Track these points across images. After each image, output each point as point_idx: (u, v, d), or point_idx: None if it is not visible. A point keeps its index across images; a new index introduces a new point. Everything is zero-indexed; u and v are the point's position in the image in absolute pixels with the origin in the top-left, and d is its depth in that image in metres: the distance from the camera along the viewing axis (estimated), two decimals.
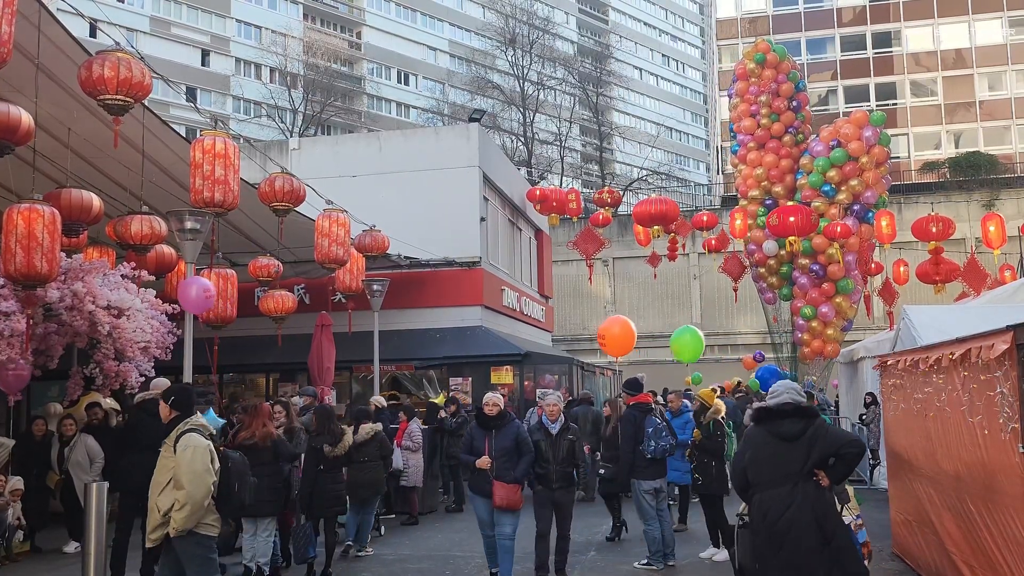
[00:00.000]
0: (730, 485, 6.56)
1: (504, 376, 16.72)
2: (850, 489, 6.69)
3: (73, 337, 10.52)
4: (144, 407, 8.31)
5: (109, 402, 11.45)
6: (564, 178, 51.28)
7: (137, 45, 14.89)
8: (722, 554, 8.65)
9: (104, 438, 10.08)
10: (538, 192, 21.75)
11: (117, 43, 7.35)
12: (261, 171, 13.29)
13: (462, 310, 17.73)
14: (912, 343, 8.47)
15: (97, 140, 9.30)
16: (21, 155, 8.56)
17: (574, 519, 8.16)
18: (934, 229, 15.69)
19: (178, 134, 10.27)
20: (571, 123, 52.95)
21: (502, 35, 52.36)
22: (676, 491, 11.12)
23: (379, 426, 9.66)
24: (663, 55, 78.49)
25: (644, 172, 55.89)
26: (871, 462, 13.96)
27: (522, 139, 48.78)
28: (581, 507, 10.43)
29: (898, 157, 43.33)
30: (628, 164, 65.12)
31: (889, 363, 8.46)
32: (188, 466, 5.43)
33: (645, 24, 77.65)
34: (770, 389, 5.45)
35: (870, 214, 17.91)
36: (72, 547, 9.75)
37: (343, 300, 14.09)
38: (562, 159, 51.77)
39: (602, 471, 10.07)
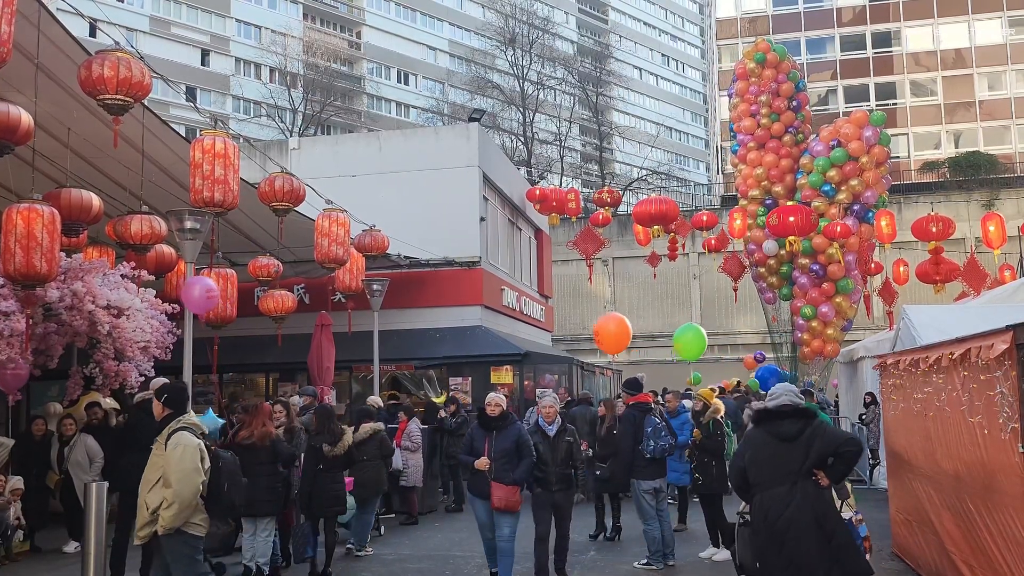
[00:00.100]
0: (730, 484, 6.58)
1: (504, 376, 16.71)
2: (849, 486, 6.70)
3: (73, 337, 10.51)
4: (144, 407, 8.28)
5: (109, 402, 11.45)
6: (564, 178, 51.23)
7: (137, 45, 14.88)
8: (722, 554, 8.66)
9: (104, 438, 10.06)
10: (538, 192, 21.76)
11: (117, 43, 7.34)
12: (261, 171, 13.28)
13: (462, 310, 17.72)
14: (912, 343, 8.49)
15: (97, 140, 9.29)
16: (21, 155, 8.54)
17: (574, 519, 8.16)
18: (934, 229, 15.69)
19: (178, 134, 10.27)
20: (571, 123, 52.90)
21: (502, 35, 52.32)
22: (675, 491, 11.12)
23: (380, 425, 9.66)
24: (663, 55, 78.50)
25: (644, 172, 55.81)
26: (871, 462, 13.97)
27: (522, 139, 48.76)
28: (581, 507, 10.44)
29: (898, 157, 43.34)
30: (628, 164, 65.12)
31: (889, 363, 8.47)
32: (177, 464, 5.43)
33: (645, 24, 77.66)
34: (769, 391, 5.54)
35: (870, 214, 17.92)
36: (72, 547, 9.75)
37: (343, 300, 14.08)
38: (562, 159, 51.74)
39: (598, 471, 10.07)
